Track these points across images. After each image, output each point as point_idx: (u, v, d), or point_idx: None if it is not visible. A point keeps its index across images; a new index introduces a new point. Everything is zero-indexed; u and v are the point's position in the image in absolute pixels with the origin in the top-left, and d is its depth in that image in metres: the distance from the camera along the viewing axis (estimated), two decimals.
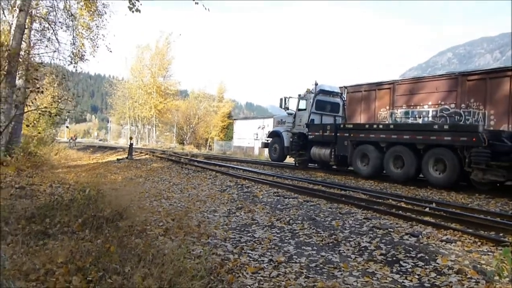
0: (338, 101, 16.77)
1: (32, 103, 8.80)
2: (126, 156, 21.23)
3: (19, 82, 14.25)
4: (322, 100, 16.26)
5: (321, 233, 5.99)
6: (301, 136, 16.00)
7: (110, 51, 16.43)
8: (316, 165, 16.53)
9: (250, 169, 15.34)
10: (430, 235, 5.70)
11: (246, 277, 4.11)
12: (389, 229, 5.99)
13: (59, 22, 16.81)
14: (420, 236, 5.61)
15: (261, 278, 4.13)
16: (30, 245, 4.26)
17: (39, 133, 20.46)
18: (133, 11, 10.21)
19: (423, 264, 4.60)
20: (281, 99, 17.27)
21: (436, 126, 11.41)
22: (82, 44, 17.76)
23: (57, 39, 17.18)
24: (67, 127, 61.09)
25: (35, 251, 4.07)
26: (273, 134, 18.54)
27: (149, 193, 9.57)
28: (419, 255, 4.86)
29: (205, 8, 9.66)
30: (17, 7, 12.99)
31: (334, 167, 15.19)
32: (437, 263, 4.56)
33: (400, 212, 7.31)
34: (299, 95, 16.69)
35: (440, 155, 10.77)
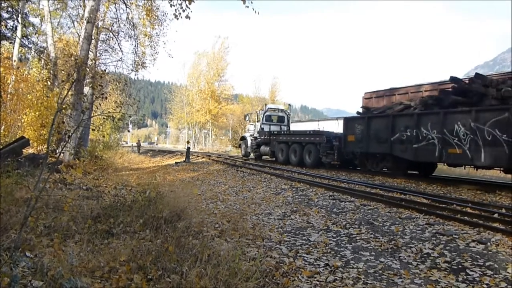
0: (283, 115, 23.81)
1: (98, 108, 9.34)
2: (184, 159, 21.91)
3: (86, 89, 15.23)
4: (270, 115, 23.28)
5: (379, 238, 5.78)
6: (256, 139, 23.21)
7: (171, 57, 17.22)
8: (266, 158, 23.36)
9: (304, 171, 15.22)
10: (499, 242, 5.31)
11: (301, 281, 4.06)
12: (454, 236, 5.66)
13: (122, 32, 17.79)
14: (489, 244, 5.24)
15: (317, 282, 4.05)
16: (95, 244, 4.49)
17: (104, 136, 21.69)
18: (178, 18, 10.47)
19: (492, 273, 4.29)
20: (245, 115, 28.49)
21: (308, 132, 19.63)
22: (143, 52, 18.69)
23: (120, 48, 18.24)
24: (128, 131, 64.34)
25: (100, 249, 4.28)
26: (242, 138, 26.29)
27: (205, 195, 9.78)
28: (487, 264, 4.54)
29: (255, 12, 9.73)
30: (85, 19, 13.89)
31: (273, 158, 21.84)
32: (508, 272, 4.26)
33: (465, 217, 6.89)
34: (256, 112, 24.92)
35: (310, 148, 17.94)
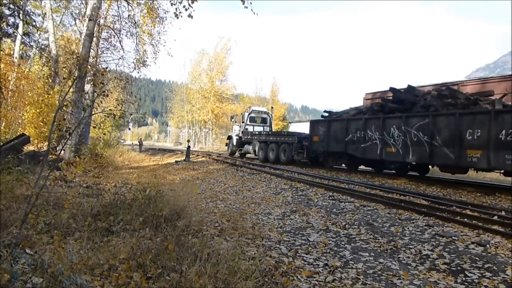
0: (266, 117, 25.62)
1: (99, 105, 9.33)
2: (184, 158, 21.92)
3: (87, 87, 15.23)
4: (254, 117, 25.15)
5: (379, 239, 5.79)
6: (241, 139, 25.07)
7: (171, 56, 17.31)
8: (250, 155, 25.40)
9: (304, 172, 15.23)
10: (498, 244, 5.31)
11: (300, 280, 4.07)
12: (453, 237, 5.66)
13: (124, 30, 17.79)
14: (488, 246, 5.25)
15: (316, 282, 4.06)
16: (95, 241, 4.50)
17: (104, 134, 21.72)
18: (178, 17, 10.52)
19: (491, 275, 4.30)
20: (231, 116, 30.80)
21: (283, 133, 23.37)
22: (144, 50, 18.70)
23: (122, 46, 18.24)
24: (129, 129, 64.30)
25: (100, 247, 4.28)
26: (229, 138, 28.06)
27: (205, 194, 9.79)
28: (486, 266, 4.55)
29: (254, 13, 9.81)
30: (87, 17, 13.89)
31: (256, 156, 23.56)
32: (507, 275, 4.26)
33: (465, 219, 6.89)
34: (242, 114, 26.67)
35: (285, 147, 19.79)
